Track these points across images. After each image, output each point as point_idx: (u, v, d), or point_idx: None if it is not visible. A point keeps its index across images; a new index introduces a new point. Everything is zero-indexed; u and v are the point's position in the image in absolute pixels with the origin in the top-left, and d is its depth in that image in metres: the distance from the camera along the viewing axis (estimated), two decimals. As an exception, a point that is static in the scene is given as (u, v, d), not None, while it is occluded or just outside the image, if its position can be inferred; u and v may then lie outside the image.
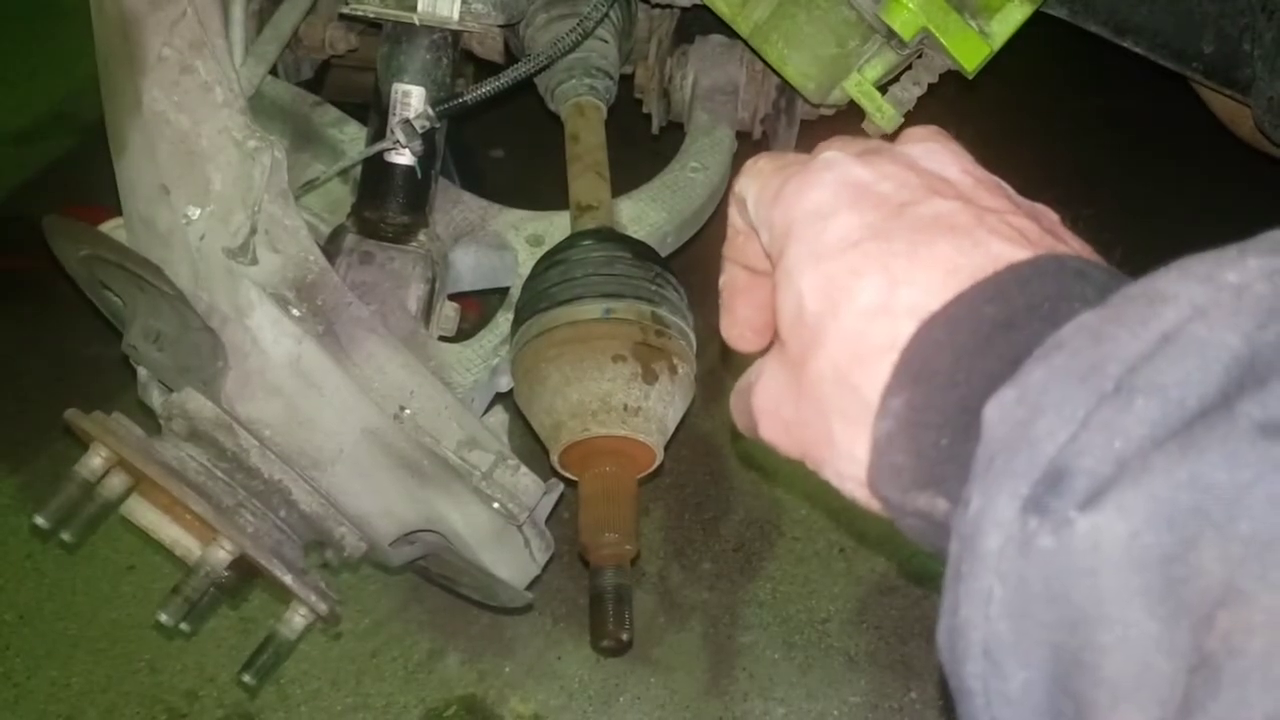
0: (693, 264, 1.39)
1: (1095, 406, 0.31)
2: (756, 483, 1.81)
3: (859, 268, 0.40)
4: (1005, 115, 2.36)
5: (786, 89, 1.47)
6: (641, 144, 1.63)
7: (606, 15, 1.22)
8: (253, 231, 0.95)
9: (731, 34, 1.44)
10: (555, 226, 1.34)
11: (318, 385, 0.96)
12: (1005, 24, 1.15)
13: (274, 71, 1.36)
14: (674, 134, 1.55)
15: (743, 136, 1.55)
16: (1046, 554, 0.31)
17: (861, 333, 0.40)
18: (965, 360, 0.37)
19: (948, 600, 0.34)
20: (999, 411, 0.34)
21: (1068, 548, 0.30)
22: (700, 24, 1.58)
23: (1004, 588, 0.32)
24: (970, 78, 1.20)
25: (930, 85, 1.24)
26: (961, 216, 0.41)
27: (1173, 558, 0.28)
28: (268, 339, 0.94)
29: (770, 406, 0.46)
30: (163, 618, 0.94)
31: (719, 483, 1.81)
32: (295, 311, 0.95)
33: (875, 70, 1.22)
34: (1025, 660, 0.31)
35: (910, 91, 1.24)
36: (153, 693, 1.51)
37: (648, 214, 1.37)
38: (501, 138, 2.31)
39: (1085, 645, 0.30)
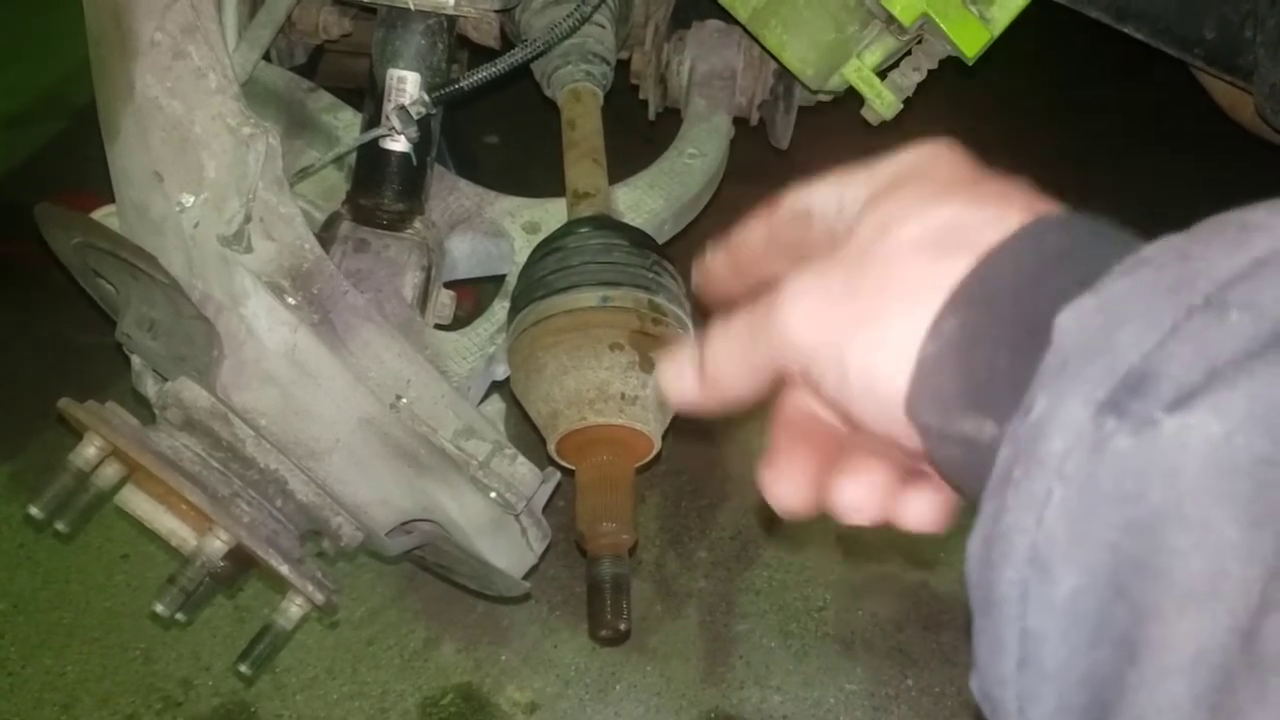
0: (689, 252, 1.38)
1: (1185, 318, 0.30)
2: (753, 470, 1.81)
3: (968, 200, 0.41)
4: (1003, 101, 2.35)
5: (784, 75, 1.46)
6: (637, 130, 1.62)
7: (604, 0, 1.21)
8: (247, 219, 0.94)
9: (729, 19, 1.43)
10: (551, 214, 1.33)
11: (313, 374, 0.95)
12: (1006, 9, 1.14)
13: (267, 56, 1.35)
14: (669, 121, 1.54)
15: (740, 123, 1.54)
16: (1123, 454, 0.29)
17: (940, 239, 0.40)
18: (1030, 279, 0.36)
19: (988, 508, 0.33)
20: (1075, 318, 0.32)
21: (1150, 447, 0.29)
22: (697, 9, 1.57)
23: (1066, 489, 0.30)
24: (970, 64, 1.19)
25: (930, 71, 1.23)
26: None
27: (1266, 461, 0.28)
28: (263, 327, 0.93)
29: (809, 284, 0.42)
30: (158, 608, 0.93)
31: (715, 470, 1.81)
32: (291, 300, 0.94)
33: (874, 56, 1.21)
34: (1080, 565, 0.30)
35: (910, 78, 1.23)
36: (148, 681, 1.51)
37: (645, 201, 1.36)
38: (495, 124, 2.30)
39: (1155, 549, 0.29)
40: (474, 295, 1.51)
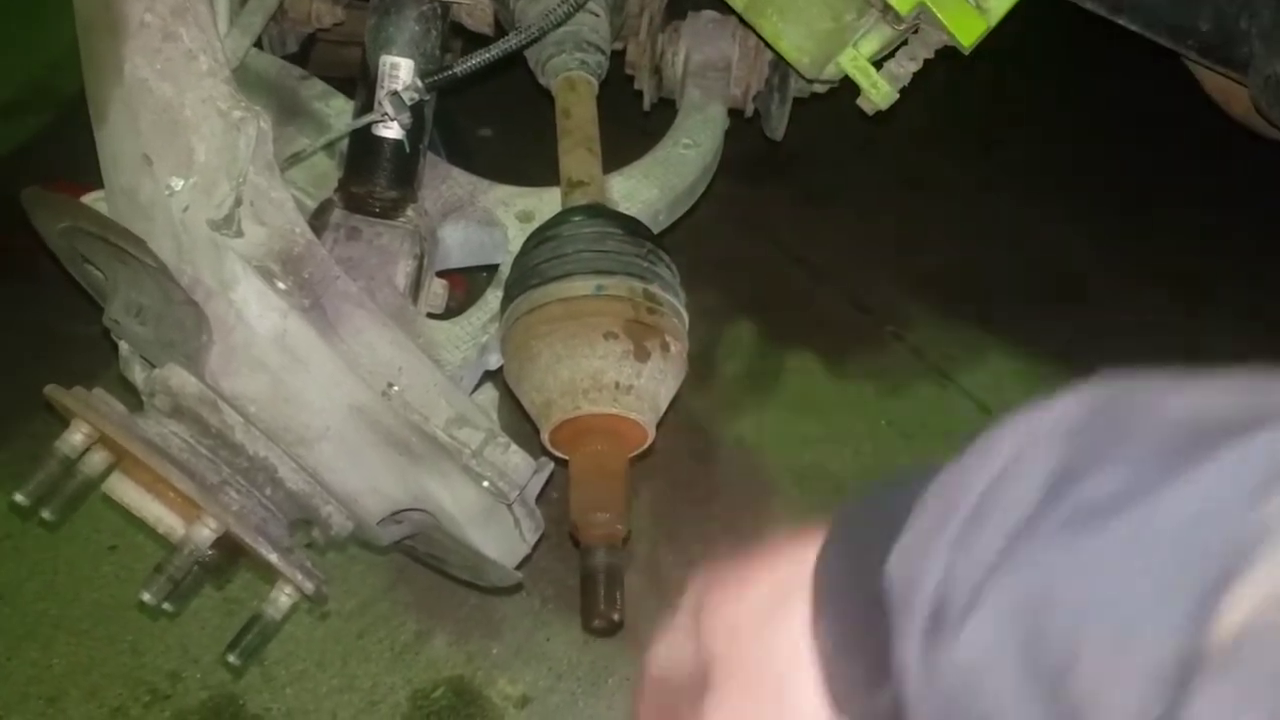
0: (683, 242, 1.37)
1: (958, 537, 0.38)
2: (747, 464, 1.80)
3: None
4: (992, 95, 2.35)
5: (779, 66, 1.46)
6: (631, 122, 1.61)
7: (599, -14, 1.19)
8: (238, 203, 0.93)
9: (724, 9, 1.42)
10: (545, 203, 1.32)
11: (304, 360, 0.94)
12: (1002, -1, 1.14)
13: (259, 45, 1.33)
14: (660, 112, 1.54)
15: (734, 113, 1.53)
16: (943, 672, 0.37)
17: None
18: (856, 556, 0.44)
19: None
20: (895, 564, 0.40)
21: (957, 662, 0.36)
22: (692, -1, 1.56)
23: (918, 709, 0.38)
24: (966, 53, 1.18)
25: (926, 61, 1.23)
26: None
27: (1026, 643, 0.35)
28: (253, 313, 0.92)
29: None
30: (146, 597, 0.92)
31: (708, 462, 1.80)
32: (281, 285, 0.93)
33: (871, 45, 1.21)
34: None
35: (906, 67, 1.22)
36: (135, 674, 1.49)
37: (639, 191, 1.35)
38: (489, 116, 2.28)
39: None
40: (464, 285, 1.50)
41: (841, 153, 2.40)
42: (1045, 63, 2.44)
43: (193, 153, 0.94)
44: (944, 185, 2.37)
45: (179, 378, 0.96)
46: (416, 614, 1.58)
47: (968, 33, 1.14)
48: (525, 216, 1.32)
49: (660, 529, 1.70)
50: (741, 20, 1.35)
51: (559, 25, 1.20)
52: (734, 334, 2.01)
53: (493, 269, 1.31)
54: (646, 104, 1.59)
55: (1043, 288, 2.18)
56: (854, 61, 1.21)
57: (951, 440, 1.85)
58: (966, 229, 2.27)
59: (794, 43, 1.23)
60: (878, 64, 1.23)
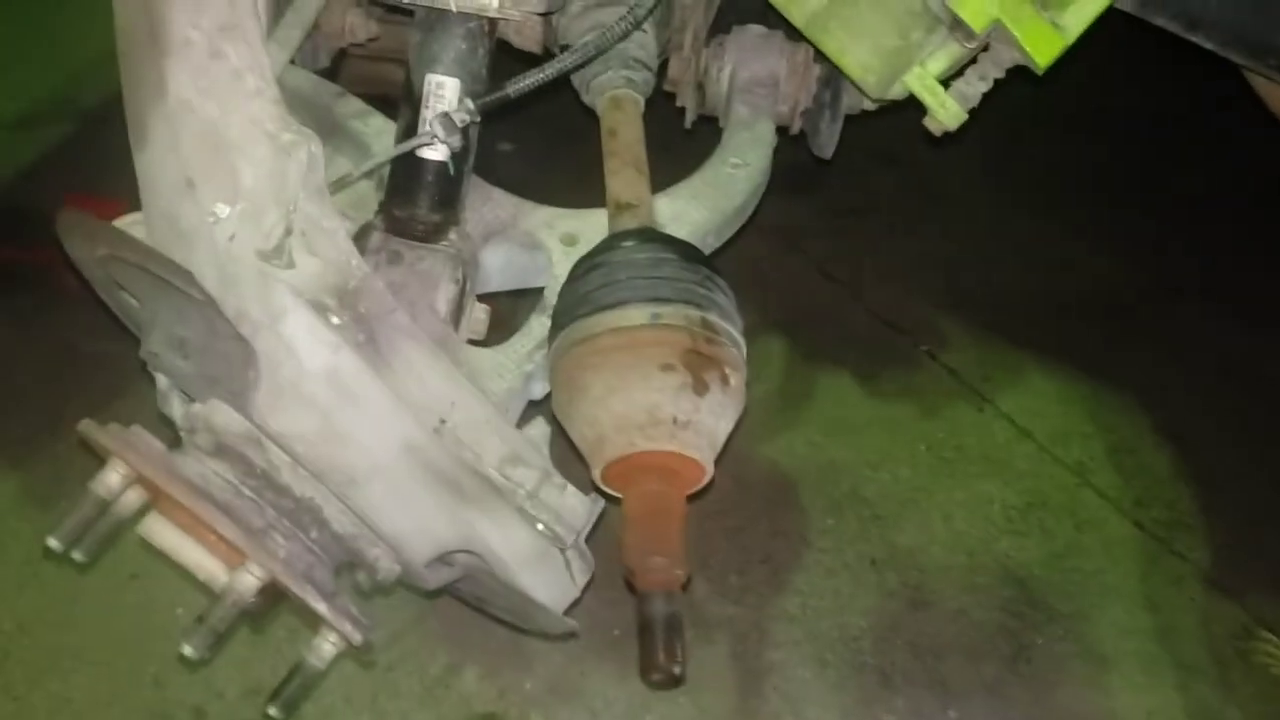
0: (731, 265, 1.32)
1: None
2: (781, 490, 1.75)
3: None
4: (1030, 106, 2.31)
5: (830, 81, 1.41)
6: (660, 141, 1.57)
7: (658, 3, 1.14)
8: (288, 232, 0.87)
9: (770, 23, 1.37)
10: (591, 225, 1.28)
11: (356, 397, 0.89)
12: (1080, 16, 1.09)
13: (291, 59, 1.29)
14: (680, 130, 1.49)
15: (779, 130, 1.48)
16: None
17: None
18: None
19: None
20: None
21: None
22: (737, 12, 1.51)
23: None
24: (1041, 73, 1.13)
25: (997, 81, 1.18)
26: None
27: None
28: (303, 348, 0.87)
29: None
30: (188, 650, 0.87)
31: (743, 491, 1.75)
32: (335, 319, 0.87)
33: (939, 63, 1.16)
34: None
35: (975, 86, 1.17)
36: (158, 708, 1.44)
37: (688, 212, 1.30)
38: (510, 131, 2.23)
39: None
40: (493, 309, 1.46)
41: (873, 168, 2.35)
42: (1078, 73, 2.39)
43: (239, 178, 0.88)
44: (976, 200, 2.33)
45: (223, 415, 0.91)
46: (447, 647, 1.53)
47: (1044, 51, 1.09)
48: (570, 239, 1.27)
49: (694, 560, 1.64)
50: (791, 35, 1.30)
51: (618, 42, 1.15)
52: (765, 352, 1.97)
53: (522, 293, 1.27)
54: (688, 121, 1.54)
55: (1080, 304, 2.14)
56: (921, 80, 1.16)
57: (991, 466, 1.81)
58: (999, 244, 2.23)
59: (860, 61, 1.18)
60: (945, 83, 1.18)
